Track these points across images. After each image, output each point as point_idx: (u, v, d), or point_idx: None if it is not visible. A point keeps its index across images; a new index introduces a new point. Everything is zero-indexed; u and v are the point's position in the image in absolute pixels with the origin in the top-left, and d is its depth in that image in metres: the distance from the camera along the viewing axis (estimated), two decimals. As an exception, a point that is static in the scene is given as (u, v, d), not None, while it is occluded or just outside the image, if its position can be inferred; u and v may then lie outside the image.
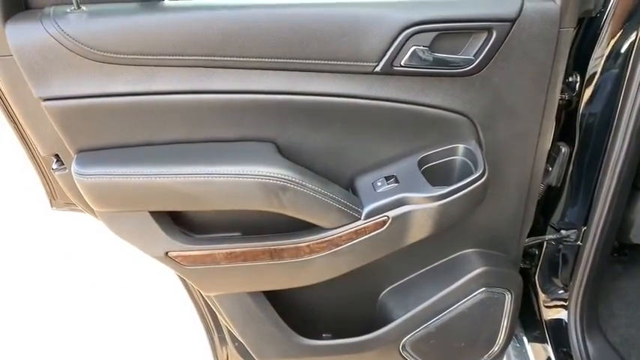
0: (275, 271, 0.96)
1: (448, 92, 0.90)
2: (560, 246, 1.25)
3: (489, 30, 0.84)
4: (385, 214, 0.92)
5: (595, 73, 1.00)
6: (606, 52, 0.98)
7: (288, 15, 0.82)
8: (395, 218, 0.92)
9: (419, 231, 0.94)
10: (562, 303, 1.28)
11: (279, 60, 0.84)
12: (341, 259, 0.96)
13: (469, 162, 0.95)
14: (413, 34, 0.82)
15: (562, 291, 1.28)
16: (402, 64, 0.85)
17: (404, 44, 0.83)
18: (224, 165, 0.85)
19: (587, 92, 1.02)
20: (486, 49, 0.85)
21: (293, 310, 1.13)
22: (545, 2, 0.84)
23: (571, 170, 1.13)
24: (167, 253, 0.93)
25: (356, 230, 0.93)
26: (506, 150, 0.98)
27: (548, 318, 1.32)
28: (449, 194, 0.89)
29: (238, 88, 0.87)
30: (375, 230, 0.93)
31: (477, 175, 0.90)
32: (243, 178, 0.85)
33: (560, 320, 1.29)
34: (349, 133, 0.93)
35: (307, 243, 0.93)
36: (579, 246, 1.20)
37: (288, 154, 0.92)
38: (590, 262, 1.18)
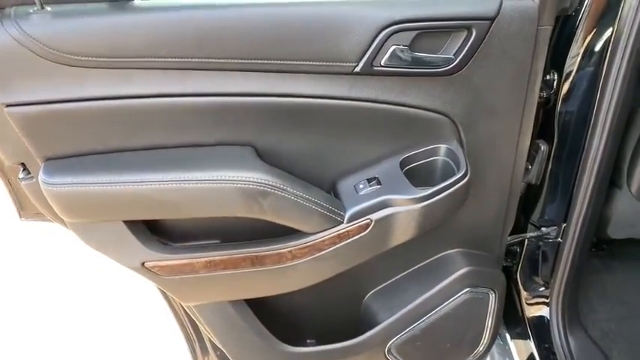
0: (257, 278, 0.93)
1: (429, 92, 0.89)
2: (541, 243, 1.25)
3: (469, 29, 0.83)
4: (368, 216, 0.90)
5: (572, 71, 1.01)
6: (582, 50, 0.98)
7: (265, 14, 0.80)
8: (378, 221, 0.90)
9: (402, 233, 0.93)
10: (543, 300, 1.29)
11: (256, 61, 0.81)
12: (324, 264, 0.94)
13: (451, 162, 0.95)
14: (392, 33, 0.81)
15: (543, 288, 1.29)
16: (382, 63, 0.84)
17: (383, 44, 0.82)
18: (201, 170, 0.82)
19: (565, 90, 1.03)
20: (466, 48, 0.84)
21: (275, 316, 1.10)
22: (524, 1, 0.84)
23: (550, 168, 1.13)
24: (144, 263, 0.90)
25: (339, 234, 0.91)
26: (487, 149, 0.98)
27: (530, 315, 1.33)
28: (432, 195, 0.88)
29: (215, 90, 0.84)
30: (358, 234, 0.91)
31: (460, 175, 0.89)
32: (221, 183, 0.82)
33: (542, 317, 1.30)
34: (330, 135, 0.91)
35: (289, 249, 0.91)
36: (559, 243, 1.21)
37: (267, 158, 0.90)
38: (570, 258, 1.19)
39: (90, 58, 0.77)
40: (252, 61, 0.81)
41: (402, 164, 0.94)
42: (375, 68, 0.84)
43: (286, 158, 0.92)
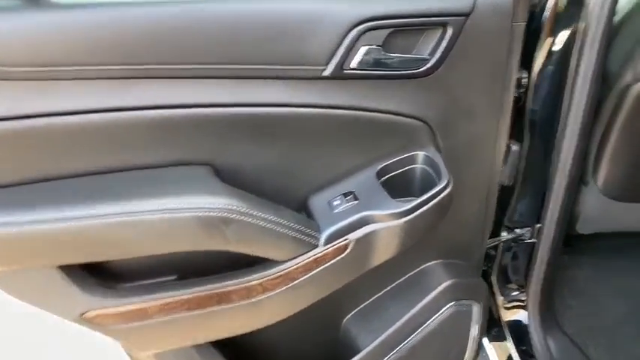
0: (224, 317, 0.81)
1: (404, 96, 0.81)
2: (514, 245, 1.22)
3: (444, 25, 0.76)
4: (346, 237, 0.81)
5: (541, 69, 0.97)
6: (550, 47, 0.95)
7: (219, 12, 0.68)
8: (357, 241, 0.81)
9: (384, 251, 0.84)
10: (520, 304, 1.26)
11: (212, 66, 0.70)
12: (299, 293, 0.83)
13: (430, 170, 0.87)
14: (364, 31, 0.72)
15: (518, 292, 1.26)
16: (352, 66, 0.75)
17: (354, 44, 0.73)
18: (150, 199, 0.69)
19: (535, 88, 0.99)
20: (441, 47, 0.77)
21: (247, 353, 0.98)
22: None
23: (521, 168, 1.10)
24: (83, 314, 0.75)
25: (315, 259, 0.81)
26: (465, 153, 0.92)
27: (508, 319, 1.29)
28: (414, 209, 0.80)
29: (162, 102, 0.71)
30: (336, 256, 0.82)
31: (442, 185, 0.82)
32: (175, 213, 0.69)
33: (519, 321, 1.27)
34: (299, 147, 0.81)
35: (259, 281, 0.80)
36: (534, 243, 1.18)
37: (228, 178, 0.78)
38: (546, 258, 1.16)
39: (1, 68, 0.62)
40: (207, 66, 0.70)
41: (379, 175, 0.86)
42: (346, 71, 0.75)
43: (251, 176, 0.81)
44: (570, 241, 1.50)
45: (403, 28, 0.75)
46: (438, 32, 0.77)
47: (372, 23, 0.72)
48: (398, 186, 0.88)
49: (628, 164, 1.14)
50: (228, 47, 0.69)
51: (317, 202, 0.85)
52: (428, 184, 0.87)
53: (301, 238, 0.78)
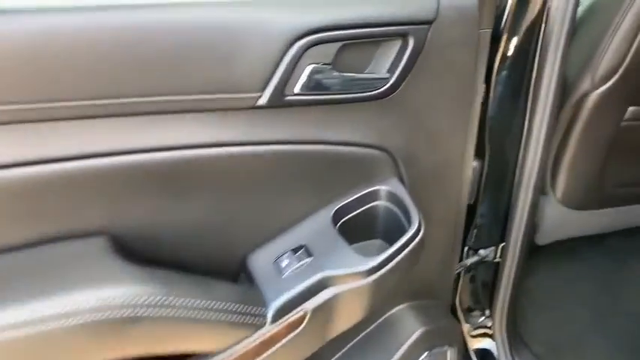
0: None
1: (359, 123, 0.65)
2: (477, 267, 1.12)
3: (404, 36, 0.61)
4: (301, 307, 0.63)
5: (501, 79, 0.85)
6: (510, 55, 0.84)
7: (111, 23, 0.48)
8: (315, 310, 0.64)
9: (349, 317, 0.68)
10: (486, 331, 1.16)
11: (104, 101, 0.49)
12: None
13: (394, 208, 0.72)
14: (308, 46, 0.55)
15: (483, 317, 1.16)
16: (296, 91, 0.57)
17: (297, 62, 0.55)
18: (17, 305, 0.47)
19: (495, 101, 0.88)
20: (403, 62, 0.62)
21: None
22: None
23: (483, 186, 0.99)
24: None
25: (262, 342, 0.62)
26: (431, 182, 0.78)
27: (474, 347, 1.19)
28: (383, 264, 0.65)
29: (33, 155, 0.50)
30: (290, 333, 0.64)
31: (413, 230, 0.67)
32: (55, 323, 0.48)
33: (486, 349, 1.17)
34: (231, 196, 0.63)
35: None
36: (497, 264, 1.08)
37: (134, 249, 0.58)
38: (512, 278, 1.06)
39: None
40: (99, 101, 0.49)
41: (335, 219, 0.69)
42: (288, 98, 0.57)
43: (168, 242, 0.61)
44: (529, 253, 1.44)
45: (356, 41, 0.58)
46: (397, 44, 0.61)
47: (318, 36, 0.54)
48: (358, 229, 0.72)
49: (586, 173, 1.08)
50: (130, 74, 0.49)
51: (260, 263, 0.67)
52: (393, 223, 0.72)
53: (241, 321, 0.59)
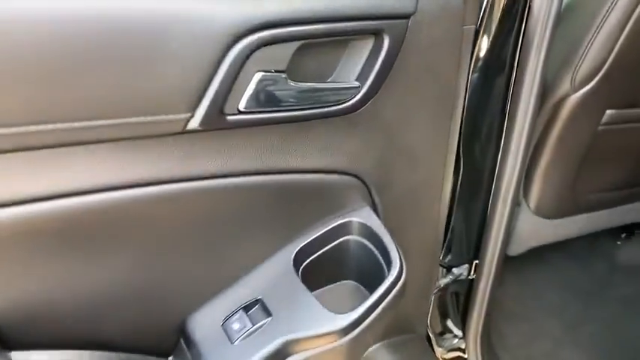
0: None
1: (323, 144, 0.52)
2: (449, 286, 1.02)
3: (378, 33, 0.48)
4: None
5: (475, 83, 0.75)
6: (487, 56, 0.73)
7: None
8: None
9: None
10: (459, 355, 1.07)
11: None
12: None
13: (367, 242, 0.60)
14: (255, 47, 0.41)
15: (457, 340, 1.07)
16: (240, 107, 0.43)
17: (240, 69, 0.41)
18: None
19: (470, 108, 0.78)
20: (376, 66, 0.49)
21: None
22: None
23: (457, 200, 0.89)
24: None
25: None
26: (407, 207, 0.66)
27: None
28: (360, 320, 0.52)
29: None
30: None
31: (394, 276, 0.54)
32: None
33: None
34: (161, 247, 0.48)
35: None
36: (471, 281, 0.99)
37: (30, 334, 0.42)
38: (486, 295, 0.98)
39: None
40: None
41: (297, 261, 0.56)
42: (230, 118, 0.43)
43: (74, 317, 0.45)
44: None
45: (318, 40, 0.45)
46: (369, 44, 0.48)
47: (268, 33, 0.40)
48: (325, 269, 0.59)
49: (560, 181, 1.01)
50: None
51: (204, 326, 0.52)
52: (366, 260, 0.59)
53: None
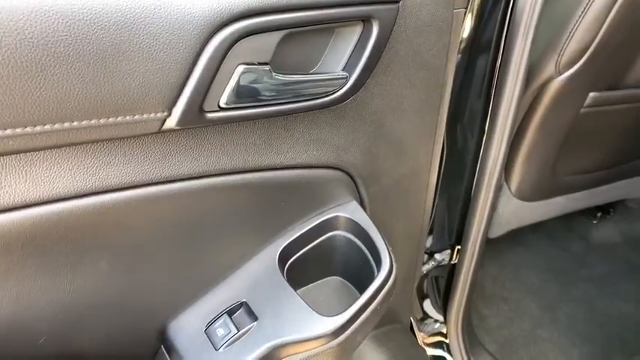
0: None
1: (309, 138, 0.49)
2: (429, 272, 1.02)
3: (367, 20, 0.45)
4: None
5: (459, 66, 0.73)
6: (473, 40, 0.71)
7: None
8: None
9: None
10: (440, 339, 1.08)
11: None
12: None
13: (353, 237, 0.58)
14: (237, 38, 0.37)
15: (438, 324, 1.08)
16: (221, 104, 0.40)
17: (220, 62, 0.38)
18: None
19: (453, 90, 0.76)
20: (365, 55, 0.46)
21: None
22: None
23: (439, 187, 0.88)
24: None
25: None
26: (394, 198, 0.64)
27: (431, 354, 1.10)
28: (351, 321, 0.50)
29: None
30: None
31: (384, 274, 0.53)
32: None
33: (442, 357, 1.09)
34: (139, 251, 0.45)
35: None
36: (454, 265, 0.99)
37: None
38: (468, 280, 0.98)
39: None
40: None
41: (282, 259, 0.53)
42: (210, 115, 0.40)
43: (46, 331, 0.42)
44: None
45: (304, 28, 0.41)
46: (357, 31, 0.45)
47: (250, 22, 0.37)
48: (310, 266, 0.57)
49: (541, 164, 1.01)
50: None
51: (186, 332, 0.49)
52: (353, 256, 0.57)
53: None
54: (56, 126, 0.34)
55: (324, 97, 0.46)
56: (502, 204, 1.11)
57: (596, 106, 0.89)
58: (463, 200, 0.89)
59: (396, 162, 0.59)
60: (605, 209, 1.39)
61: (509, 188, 1.06)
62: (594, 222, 1.41)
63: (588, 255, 1.35)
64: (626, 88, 0.89)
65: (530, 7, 0.64)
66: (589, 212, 1.40)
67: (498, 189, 0.86)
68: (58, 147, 0.36)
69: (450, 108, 0.68)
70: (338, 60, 0.46)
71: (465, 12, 0.62)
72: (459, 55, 0.70)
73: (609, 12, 0.71)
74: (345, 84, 0.46)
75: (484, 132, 0.79)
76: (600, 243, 1.38)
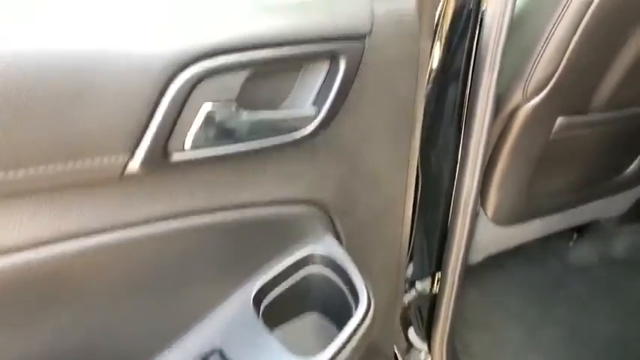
0: None
1: (282, 174, 0.48)
2: (412, 302, 1.01)
3: (334, 57, 0.45)
4: None
5: (431, 98, 0.74)
6: (442, 71, 0.72)
7: None
8: None
9: None
10: None
11: None
12: None
13: (330, 273, 0.56)
14: (201, 78, 0.36)
15: (422, 353, 1.06)
16: (187, 145, 0.38)
17: (184, 102, 0.37)
18: None
19: (426, 121, 0.76)
20: (333, 90, 0.46)
21: None
22: (397, 2, 0.50)
23: (417, 216, 0.87)
24: None
25: None
26: (370, 231, 0.63)
27: None
28: None
29: None
30: None
31: (363, 311, 0.51)
32: None
33: None
34: (101, 301, 0.42)
35: None
36: (435, 295, 0.98)
37: None
38: (450, 307, 0.97)
39: None
40: None
41: (257, 301, 0.52)
42: (175, 157, 0.38)
43: None
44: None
45: (270, 67, 0.41)
46: (325, 67, 0.45)
47: (215, 61, 0.36)
48: (287, 305, 0.55)
49: (515, 189, 1.02)
50: None
51: None
52: (330, 291, 0.56)
53: None
54: (10, 174, 0.32)
55: (295, 132, 0.45)
56: (480, 230, 1.11)
57: (566, 131, 0.91)
58: (440, 229, 0.89)
59: (370, 194, 0.59)
60: (581, 230, 1.41)
61: (486, 214, 1.07)
62: (570, 243, 1.43)
63: (566, 276, 1.36)
64: (593, 112, 0.92)
65: (495, 40, 0.66)
66: (565, 234, 1.42)
67: (475, 216, 0.86)
68: (18, 195, 0.34)
69: (422, 138, 0.68)
70: (307, 95, 0.46)
71: (433, 44, 0.63)
72: (430, 86, 0.71)
73: (571, 40, 0.73)
74: (315, 119, 0.46)
75: (457, 161, 0.79)
76: (578, 264, 1.40)
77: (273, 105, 0.45)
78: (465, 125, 0.75)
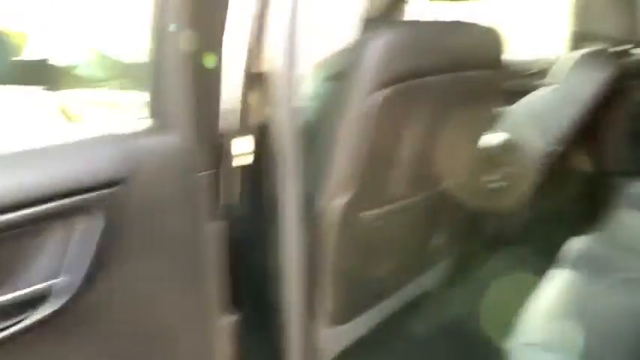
0: None
1: None
2: None
3: (86, 211, 0.38)
4: None
5: (235, 231, 0.71)
6: (240, 198, 0.71)
7: None
8: None
9: None
10: None
11: None
12: None
13: None
14: None
15: None
16: None
17: None
18: None
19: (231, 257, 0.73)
20: (91, 250, 0.39)
21: None
22: (160, 137, 0.47)
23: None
24: None
25: None
26: None
27: None
28: None
29: None
30: None
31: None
32: None
33: None
34: None
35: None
36: None
37: None
38: None
39: None
40: None
41: None
42: None
43: None
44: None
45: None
46: (76, 225, 0.38)
47: None
48: None
49: (348, 286, 1.03)
50: None
51: None
52: None
53: None
54: None
55: (39, 310, 0.36)
56: (323, 340, 1.07)
57: (372, 223, 0.96)
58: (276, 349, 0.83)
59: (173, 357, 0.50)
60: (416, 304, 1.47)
61: (323, 318, 1.04)
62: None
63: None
64: (389, 204, 0.99)
65: (289, 146, 0.66)
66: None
67: (311, 328, 0.83)
68: None
69: (235, 272, 0.63)
70: (54, 262, 0.37)
71: (216, 173, 0.61)
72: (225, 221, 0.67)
73: (357, 146, 0.79)
74: (69, 291, 0.37)
75: (278, 284, 0.77)
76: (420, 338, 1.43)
77: (6, 279, 0.35)
78: (280, 250, 0.73)
